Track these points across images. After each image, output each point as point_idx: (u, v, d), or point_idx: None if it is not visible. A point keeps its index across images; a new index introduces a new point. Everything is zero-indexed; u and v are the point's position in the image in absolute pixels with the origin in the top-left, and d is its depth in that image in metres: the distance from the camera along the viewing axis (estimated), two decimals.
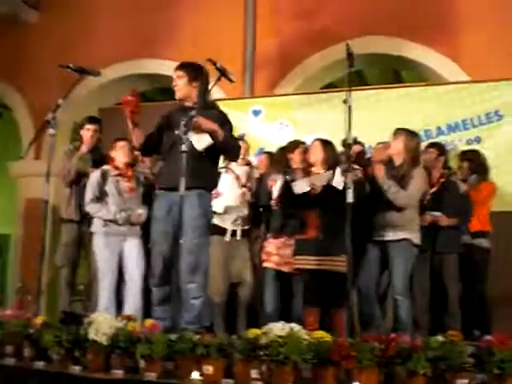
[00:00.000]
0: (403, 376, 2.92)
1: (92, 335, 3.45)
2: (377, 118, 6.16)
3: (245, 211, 5.14)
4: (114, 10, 7.76)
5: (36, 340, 3.73)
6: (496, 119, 5.85)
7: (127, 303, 4.85)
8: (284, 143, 5.41)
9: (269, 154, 5.63)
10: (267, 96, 6.94)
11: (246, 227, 5.16)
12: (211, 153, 4.03)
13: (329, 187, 4.50)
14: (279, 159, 5.16)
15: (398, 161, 4.54)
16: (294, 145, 5.08)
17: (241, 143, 5.27)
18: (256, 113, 6.68)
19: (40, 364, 3.62)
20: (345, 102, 3.92)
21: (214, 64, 3.96)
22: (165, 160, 4.21)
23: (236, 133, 6.43)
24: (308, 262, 4.50)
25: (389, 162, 4.62)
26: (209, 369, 3.13)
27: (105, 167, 5.02)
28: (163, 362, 3.28)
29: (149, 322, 3.51)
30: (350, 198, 3.77)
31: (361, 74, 8.33)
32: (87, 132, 5.43)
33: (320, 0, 7.08)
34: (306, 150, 4.95)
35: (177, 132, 4.02)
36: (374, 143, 5.86)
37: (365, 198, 4.39)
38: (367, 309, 4.49)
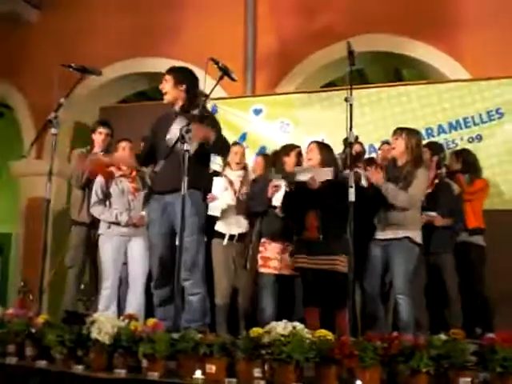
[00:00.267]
0: (406, 374, 2.93)
1: (95, 334, 3.46)
2: (378, 116, 6.17)
3: (241, 215, 5.13)
4: (115, 8, 7.76)
5: (38, 339, 3.74)
6: (497, 117, 5.84)
7: (129, 303, 4.87)
8: (284, 143, 5.41)
9: (265, 155, 5.63)
10: (268, 95, 6.94)
11: (244, 231, 5.15)
12: (200, 154, 4.06)
13: (329, 186, 4.48)
14: (274, 162, 5.14)
15: (400, 161, 4.53)
16: (289, 148, 5.05)
17: (237, 147, 5.34)
18: (257, 112, 6.67)
19: (42, 363, 3.62)
20: (346, 100, 3.92)
21: (217, 63, 3.96)
22: (157, 165, 4.23)
23: (238, 132, 6.54)
24: (308, 262, 4.49)
25: (392, 162, 4.61)
26: (211, 368, 3.13)
27: (109, 169, 5.04)
28: (166, 361, 3.28)
29: (151, 321, 3.52)
30: (352, 197, 3.77)
31: (362, 73, 8.33)
32: (99, 136, 5.43)
33: None
34: (300, 154, 4.95)
35: (168, 137, 4.13)
36: (375, 142, 5.88)
37: (368, 197, 4.38)
38: (371, 308, 4.49)
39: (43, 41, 7.99)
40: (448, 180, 5.12)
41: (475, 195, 5.24)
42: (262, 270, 4.82)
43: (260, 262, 4.85)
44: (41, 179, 5.56)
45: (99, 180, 5.00)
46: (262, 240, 4.90)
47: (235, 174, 5.24)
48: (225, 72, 3.97)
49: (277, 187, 4.78)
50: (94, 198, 4.99)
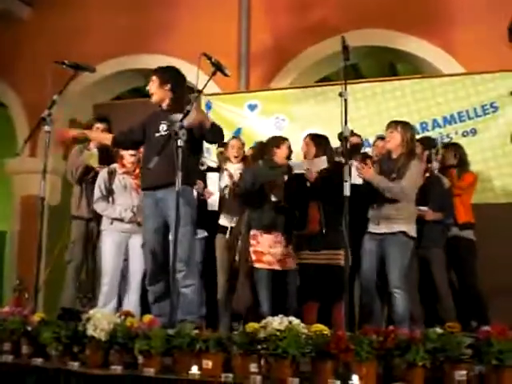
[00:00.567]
0: (402, 368, 2.93)
1: (90, 331, 3.46)
2: (372, 111, 6.17)
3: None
4: (107, 5, 7.74)
5: (34, 337, 3.74)
6: (492, 111, 5.84)
7: (127, 299, 4.89)
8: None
9: (251, 148, 5.66)
10: (262, 90, 6.93)
11: None
12: (190, 148, 4.05)
13: (327, 178, 4.49)
14: (262, 154, 5.13)
15: (395, 154, 4.53)
16: (280, 140, 5.05)
17: (234, 141, 5.43)
18: (252, 107, 6.66)
19: (38, 361, 3.62)
20: (340, 95, 3.92)
21: (209, 58, 3.96)
22: (146, 162, 4.21)
23: (233, 128, 6.53)
24: (312, 257, 4.50)
25: (386, 155, 4.62)
26: (208, 363, 3.13)
27: (112, 165, 5.07)
28: (162, 357, 3.28)
29: (147, 317, 3.52)
30: (347, 191, 3.78)
31: (356, 68, 8.33)
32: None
33: None
34: (290, 146, 5.01)
35: (157, 135, 4.23)
36: (369, 136, 5.87)
37: (363, 191, 4.39)
38: (367, 302, 4.50)
39: (36, 38, 7.97)
40: (438, 174, 5.13)
41: (465, 189, 5.26)
42: (256, 265, 4.80)
43: (253, 256, 4.81)
44: (35, 177, 5.56)
45: (102, 176, 5.02)
46: (253, 232, 4.85)
47: (234, 167, 5.30)
48: (217, 67, 3.96)
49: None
50: (97, 194, 5.00)
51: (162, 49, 7.35)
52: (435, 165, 5.20)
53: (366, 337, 2.95)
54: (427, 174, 4.99)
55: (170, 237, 3.99)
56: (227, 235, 5.12)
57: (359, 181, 4.42)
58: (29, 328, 3.80)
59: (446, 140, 5.84)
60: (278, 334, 2.98)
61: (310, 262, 4.55)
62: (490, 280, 5.22)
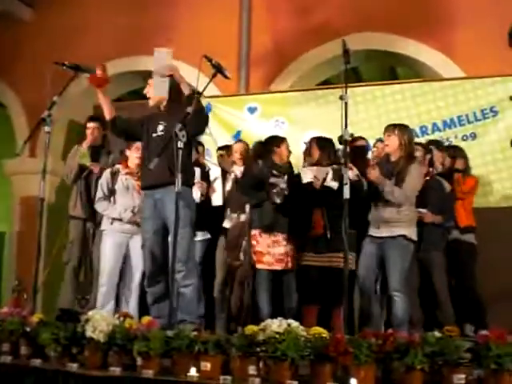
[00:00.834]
0: (401, 371, 2.93)
1: (89, 332, 3.46)
2: (373, 114, 6.16)
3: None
4: (108, 6, 7.74)
5: (33, 338, 3.74)
6: (491, 115, 5.83)
7: (125, 300, 4.89)
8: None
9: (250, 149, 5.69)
10: (262, 93, 6.93)
11: None
12: (186, 150, 4.05)
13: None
14: (261, 154, 5.13)
15: (394, 157, 4.54)
16: (279, 140, 5.07)
17: (237, 145, 5.48)
18: (251, 110, 6.65)
19: (37, 362, 3.62)
20: (341, 98, 3.93)
21: (210, 60, 3.97)
22: (146, 162, 4.22)
23: (232, 130, 6.54)
24: (315, 259, 4.51)
25: (385, 158, 4.63)
26: (206, 365, 3.13)
27: (116, 166, 5.09)
28: (160, 358, 3.28)
29: (146, 319, 3.51)
30: (346, 194, 3.78)
31: (357, 71, 8.34)
32: (88, 130, 5.53)
33: None
34: (289, 146, 5.05)
35: (154, 135, 4.27)
36: (369, 139, 5.87)
37: (364, 195, 4.40)
38: (365, 305, 4.50)
39: (36, 39, 7.97)
40: (439, 178, 5.12)
41: (467, 193, 5.26)
42: (258, 266, 4.80)
43: (254, 257, 4.81)
44: (34, 177, 5.55)
45: (105, 176, 5.04)
46: (253, 232, 4.85)
47: (240, 170, 5.32)
48: (218, 69, 3.98)
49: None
50: (99, 194, 5.03)
51: None
52: (439, 168, 5.20)
53: (364, 340, 2.95)
54: (427, 178, 4.99)
55: (170, 238, 4.00)
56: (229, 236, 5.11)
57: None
58: (27, 329, 3.80)
59: (446, 144, 5.83)
60: (277, 336, 2.98)
61: (313, 264, 4.55)
62: (490, 284, 5.23)
